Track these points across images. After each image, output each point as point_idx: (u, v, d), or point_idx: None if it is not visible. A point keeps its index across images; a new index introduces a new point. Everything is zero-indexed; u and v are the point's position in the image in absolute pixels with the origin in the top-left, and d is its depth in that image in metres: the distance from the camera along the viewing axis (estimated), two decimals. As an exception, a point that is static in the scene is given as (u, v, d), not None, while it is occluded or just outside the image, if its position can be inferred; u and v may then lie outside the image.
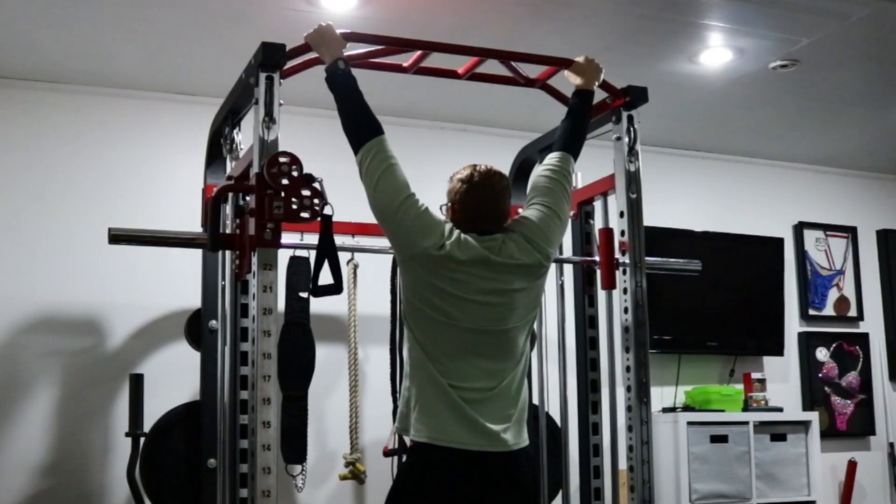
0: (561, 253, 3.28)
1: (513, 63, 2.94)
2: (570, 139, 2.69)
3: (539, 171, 2.63)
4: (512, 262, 2.37)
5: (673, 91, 4.19)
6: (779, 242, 5.18)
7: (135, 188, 4.03)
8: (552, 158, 2.63)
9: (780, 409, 4.77)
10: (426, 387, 2.33)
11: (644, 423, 2.86)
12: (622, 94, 2.99)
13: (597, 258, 3.29)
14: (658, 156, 4.90)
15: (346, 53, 2.56)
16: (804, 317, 5.28)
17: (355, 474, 3.72)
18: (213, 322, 3.20)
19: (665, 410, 4.58)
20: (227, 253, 2.94)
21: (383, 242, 3.19)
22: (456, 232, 2.36)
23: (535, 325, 3.00)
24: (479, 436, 2.30)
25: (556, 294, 3.53)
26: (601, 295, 3.30)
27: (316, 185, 2.48)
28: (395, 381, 3.59)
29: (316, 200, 2.47)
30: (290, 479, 3.65)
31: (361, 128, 2.42)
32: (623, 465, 3.00)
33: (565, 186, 2.58)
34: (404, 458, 2.49)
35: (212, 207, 2.65)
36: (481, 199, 2.43)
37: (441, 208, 2.50)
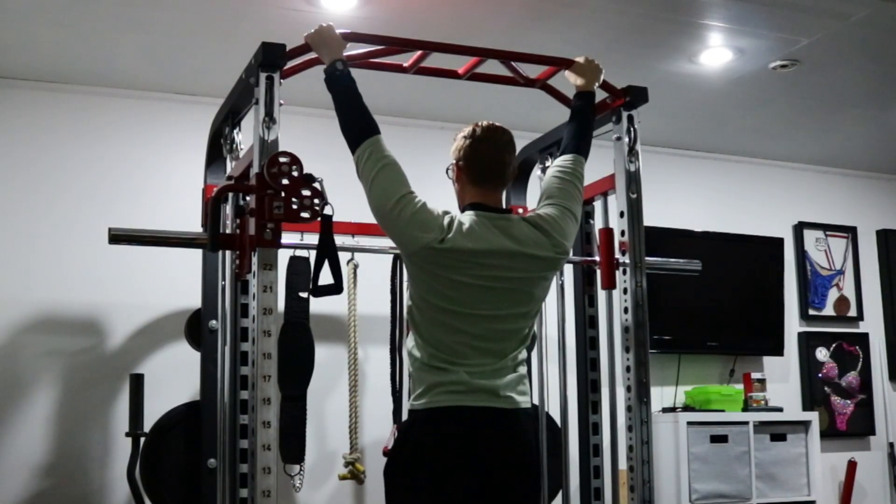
0: (561, 253, 3.27)
1: (513, 63, 2.94)
2: (578, 140, 2.69)
3: (552, 173, 2.62)
4: (525, 250, 2.37)
5: (673, 91, 4.19)
6: (779, 242, 5.18)
7: (135, 188, 4.03)
8: (564, 160, 2.63)
9: (780, 409, 4.77)
10: (430, 371, 2.34)
11: (644, 423, 2.86)
12: (622, 94, 2.99)
13: (597, 258, 3.29)
14: (658, 156, 4.91)
15: (346, 53, 2.56)
16: (804, 317, 5.28)
17: (355, 474, 3.72)
18: (213, 322, 3.20)
19: (665, 410, 4.58)
20: (227, 253, 2.94)
21: (383, 242, 3.21)
22: (458, 221, 2.34)
23: (535, 326, 3.01)
24: (481, 394, 2.32)
25: (556, 294, 3.53)
26: (601, 295, 3.30)
27: (316, 185, 2.48)
28: (395, 381, 3.59)
29: (316, 200, 2.48)
30: (288, 478, 3.65)
31: (358, 128, 2.42)
32: (623, 465, 3.00)
33: (578, 187, 2.59)
34: (404, 420, 2.50)
35: (212, 207, 2.65)
36: (486, 152, 2.43)
37: (447, 171, 2.50)
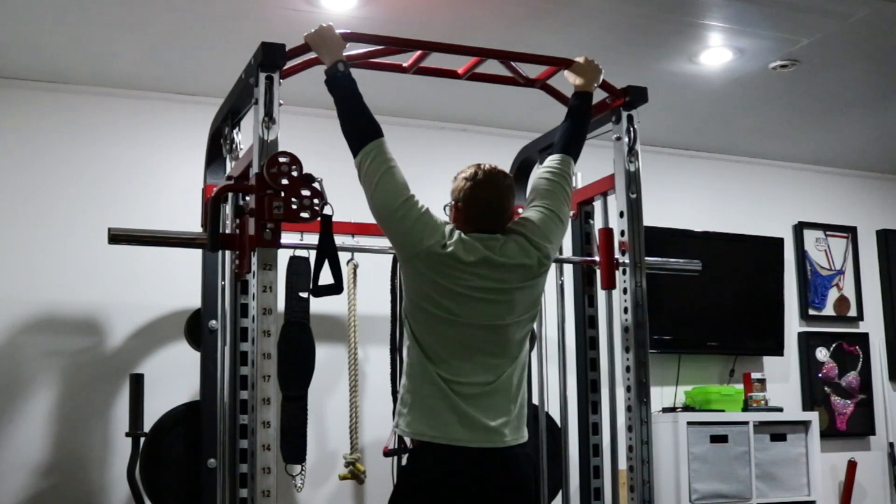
0: (561, 253, 3.27)
1: (513, 63, 2.94)
2: (569, 141, 2.70)
3: (539, 174, 2.64)
4: (512, 262, 2.38)
5: (673, 91, 4.19)
6: (779, 242, 5.18)
7: (135, 188, 4.03)
8: (552, 160, 2.64)
9: (780, 409, 4.77)
10: (424, 385, 2.34)
11: (644, 423, 2.86)
12: (622, 94, 2.99)
13: (597, 258, 3.29)
14: (658, 156, 4.91)
15: (346, 53, 2.56)
16: (804, 317, 5.28)
17: (355, 474, 3.72)
18: (213, 322, 3.20)
19: (665, 410, 4.58)
20: (227, 253, 2.94)
21: (383, 242, 3.20)
22: (457, 233, 2.37)
23: (535, 325, 3.01)
24: (477, 432, 2.31)
25: (556, 294, 3.53)
26: (601, 295, 3.30)
27: (316, 185, 2.48)
28: (395, 381, 3.59)
29: (316, 200, 2.48)
30: (289, 479, 3.65)
31: (361, 130, 2.42)
32: (623, 465, 3.00)
33: (565, 188, 2.59)
34: (405, 460, 2.51)
35: (212, 207, 2.65)
36: (486, 198, 2.43)
37: (444, 208, 2.51)
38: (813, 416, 4.77)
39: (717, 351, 4.97)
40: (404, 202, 2.34)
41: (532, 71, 3.00)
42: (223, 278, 3.02)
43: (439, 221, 2.37)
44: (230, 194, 2.80)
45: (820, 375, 5.23)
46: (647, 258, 3.01)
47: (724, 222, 5.09)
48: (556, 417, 3.48)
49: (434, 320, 2.35)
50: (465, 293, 2.33)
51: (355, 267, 3.76)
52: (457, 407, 2.31)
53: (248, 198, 2.60)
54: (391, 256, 3.54)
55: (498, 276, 2.36)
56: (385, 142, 2.41)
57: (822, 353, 5.26)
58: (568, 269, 3.55)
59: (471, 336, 2.35)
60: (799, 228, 5.33)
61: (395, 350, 3.59)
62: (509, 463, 2.34)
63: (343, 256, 3.20)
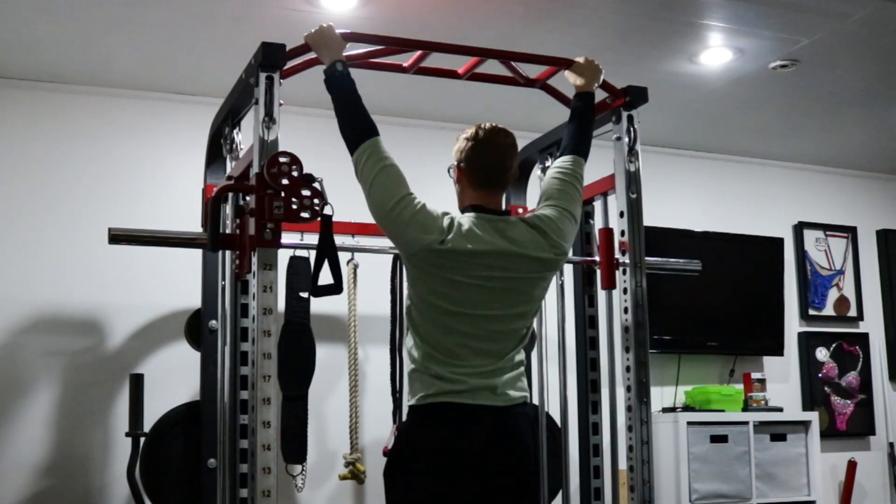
0: (561, 253, 3.28)
1: (513, 63, 2.94)
2: (577, 141, 2.70)
3: (551, 174, 2.63)
4: (524, 251, 2.38)
5: (673, 91, 4.19)
6: (779, 242, 5.18)
7: (135, 188, 4.03)
8: (563, 161, 2.65)
9: (780, 409, 4.77)
10: (426, 378, 2.35)
11: (644, 423, 2.86)
12: (622, 94, 2.99)
13: (597, 258, 3.29)
14: (658, 156, 4.91)
15: (346, 53, 2.56)
16: (804, 317, 5.28)
17: (355, 474, 3.72)
18: (213, 322, 3.20)
19: (665, 410, 4.58)
20: (227, 253, 2.94)
21: (383, 242, 3.21)
22: (457, 222, 2.35)
23: (535, 325, 3.00)
24: (478, 392, 2.33)
25: (556, 294, 3.53)
26: (601, 295, 3.30)
27: (316, 185, 2.48)
28: (395, 381, 3.60)
29: (316, 200, 2.48)
30: (289, 479, 3.65)
31: (357, 129, 2.43)
32: (623, 465, 3.00)
33: (577, 188, 2.60)
34: (403, 419, 2.52)
35: (212, 207, 2.65)
36: (488, 155, 2.43)
37: (448, 170, 2.51)
38: (813, 416, 4.77)
39: (717, 351, 4.97)
40: (399, 201, 2.34)
41: (532, 71, 3.00)
42: (223, 278, 3.02)
43: (437, 215, 2.35)
44: (230, 194, 2.80)
45: (820, 375, 5.23)
46: (647, 258, 3.01)
47: (724, 222, 5.10)
48: (556, 417, 3.48)
49: (438, 312, 2.35)
50: (470, 282, 2.33)
51: (355, 267, 3.76)
52: (459, 377, 2.32)
53: (248, 198, 2.60)
54: (391, 256, 3.55)
55: (505, 264, 2.36)
56: (380, 141, 2.41)
57: (822, 353, 5.26)
58: (568, 269, 3.55)
59: (474, 326, 2.35)
60: (799, 228, 5.34)
61: (395, 350, 3.59)
62: (507, 419, 2.35)
63: (343, 256, 3.20)
